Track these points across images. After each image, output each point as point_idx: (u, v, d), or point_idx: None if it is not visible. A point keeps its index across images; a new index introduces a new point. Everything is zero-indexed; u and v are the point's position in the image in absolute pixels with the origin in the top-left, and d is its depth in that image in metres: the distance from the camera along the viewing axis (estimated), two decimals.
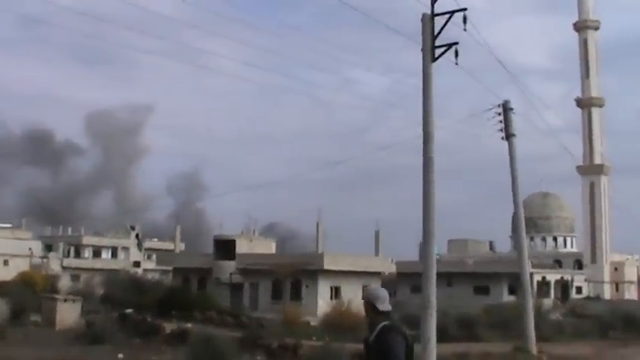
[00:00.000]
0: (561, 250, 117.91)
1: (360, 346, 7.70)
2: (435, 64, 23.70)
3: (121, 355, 34.91)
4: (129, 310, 51.50)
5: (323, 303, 59.33)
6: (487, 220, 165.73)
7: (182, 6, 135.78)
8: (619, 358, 35.80)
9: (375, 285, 56.00)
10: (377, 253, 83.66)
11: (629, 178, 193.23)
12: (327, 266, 61.72)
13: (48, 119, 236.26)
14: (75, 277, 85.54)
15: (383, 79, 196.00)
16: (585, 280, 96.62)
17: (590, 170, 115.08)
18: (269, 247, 75.94)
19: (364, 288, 55.74)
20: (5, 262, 68.37)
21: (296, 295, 63.09)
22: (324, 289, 62.33)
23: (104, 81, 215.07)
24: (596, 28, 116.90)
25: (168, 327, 44.51)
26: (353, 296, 54.78)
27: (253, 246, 71.82)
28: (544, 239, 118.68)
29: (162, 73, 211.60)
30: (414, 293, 64.95)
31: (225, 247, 69.83)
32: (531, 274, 38.69)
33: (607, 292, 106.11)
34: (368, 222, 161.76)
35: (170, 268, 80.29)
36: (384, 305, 7.34)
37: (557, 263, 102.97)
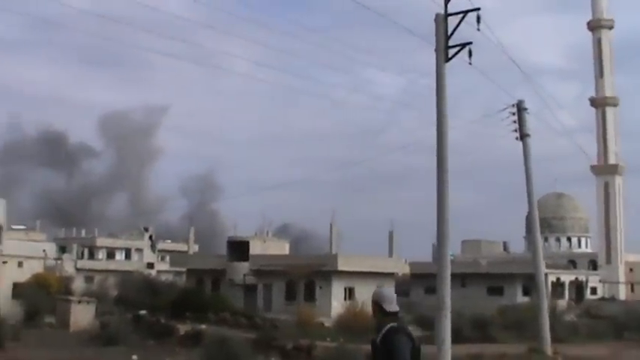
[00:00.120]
0: (576, 250, 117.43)
1: None
2: (447, 65, 23.62)
3: (135, 357, 35.00)
4: (143, 312, 51.58)
5: (337, 304, 59.23)
6: (500, 221, 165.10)
7: (196, 7, 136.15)
8: None
9: (384, 286, 55.90)
10: (391, 254, 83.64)
11: None
12: (341, 267, 61.62)
13: (62, 121, 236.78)
14: (89, 279, 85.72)
15: (397, 80, 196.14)
16: (600, 281, 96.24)
17: (605, 170, 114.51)
18: (283, 248, 75.89)
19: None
20: (19, 264, 68.35)
21: (310, 296, 63.01)
22: (337, 290, 62.22)
23: (117, 83, 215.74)
24: (611, 27, 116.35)
25: (183, 328, 44.60)
26: (367, 297, 53.89)
27: (267, 247, 71.78)
28: (558, 240, 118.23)
29: (176, 74, 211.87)
30: (428, 294, 64.80)
31: (238, 249, 69.84)
32: (546, 275, 38.51)
33: (622, 293, 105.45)
34: (382, 223, 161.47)
35: (184, 269, 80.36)
36: (391, 306, 7.29)
37: (572, 264, 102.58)
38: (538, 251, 35.42)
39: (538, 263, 35.01)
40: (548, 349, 33.75)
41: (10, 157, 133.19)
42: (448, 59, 23.56)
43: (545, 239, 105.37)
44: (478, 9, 23.01)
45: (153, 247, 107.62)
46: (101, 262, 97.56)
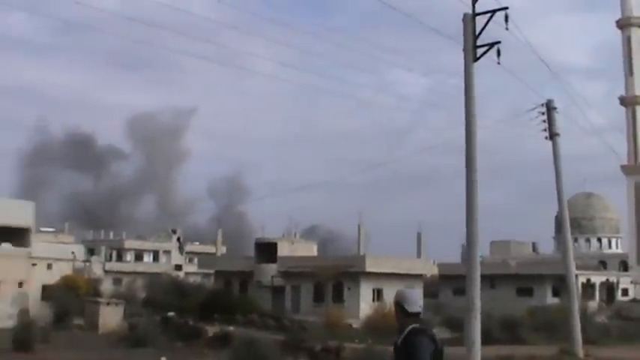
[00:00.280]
0: (606, 251, 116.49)
1: None
2: (475, 64, 23.44)
3: (163, 359, 35.02)
4: (171, 314, 51.70)
5: (365, 305, 59.09)
6: (529, 221, 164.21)
7: (220, 8, 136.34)
8: None
9: (413, 287, 55.78)
10: (419, 255, 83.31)
11: None
12: (369, 268, 61.43)
13: (90, 124, 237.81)
14: (117, 281, 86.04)
15: (424, 80, 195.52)
16: (631, 282, 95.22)
17: (635, 170, 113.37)
18: (310, 249, 75.79)
19: None
20: (49, 266, 68.63)
21: (338, 297, 62.87)
22: (366, 291, 62.04)
23: (145, 85, 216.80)
24: None
25: (211, 330, 44.61)
26: None
27: (295, 249, 71.73)
28: (588, 240, 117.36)
29: (202, 75, 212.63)
30: (457, 295, 64.55)
31: (266, 250, 69.87)
32: (576, 276, 38.11)
33: None
34: (409, 224, 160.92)
35: (212, 271, 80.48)
36: (413, 306, 7.17)
37: (602, 265, 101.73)
38: (568, 252, 35.09)
39: (569, 264, 34.68)
40: (580, 351, 33.41)
41: (38, 159, 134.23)
42: (476, 59, 23.37)
43: (575, 240, 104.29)
44: (506, 8, 22.82)
45: (181, 249, 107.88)
46: (129, 264, 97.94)
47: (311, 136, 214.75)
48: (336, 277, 62.23)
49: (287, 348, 36.50)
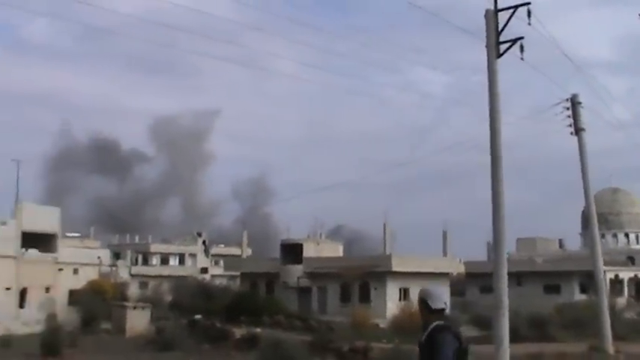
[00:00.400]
0: (634, 246, 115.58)
1: None
2: (498, 61, 23.29)
3: None
4: (198, 316, 51.85)
5: (392, 305, 58.96)
6: (555, 218, 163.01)
7: (243, 9, 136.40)
8: None
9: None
10: (445, 253, 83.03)
11: None
12: (395, 268, 61.33)
13: (113, 128, 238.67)
14: (143, 285, 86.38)
15: (447, 78, 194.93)
16: None
17: None
18: (336, 250, 75.73)
19: None
20: (75, 271, 69.05)
21: (364, 297, 62.81)
22: (392, 290, 61.95)
23: (166, 88, 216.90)
24: None
25: (238, 332, 44.70)
26: None
27: (320, 249, 71.69)
28: (615, 236, 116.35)
29: (225, 77, 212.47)
30: (484, 294, 64.27)
31: (292, 251, 69.88)
32: (604, 272, 37.79)
33: None
34: (435, 222, 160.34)
35: (238, 273, 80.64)
36: (437, 303, 7.12)
37: (630, 260, 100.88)
38: (596, 248, 34.78)
39: (596, 260, 34.38)
40: (610, 347, 33.10)
41: (63, 165, 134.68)
42: (500, 55, 23.21)
43: (602, 235, 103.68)
44: (528, 3, 22.65)
45: (206, 251, 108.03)
46: (155, 267, 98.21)
47: (335, 137, 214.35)
48: (362, 277, 62.16)
49: (314, 349, 36.50)
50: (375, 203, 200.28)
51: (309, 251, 69.99)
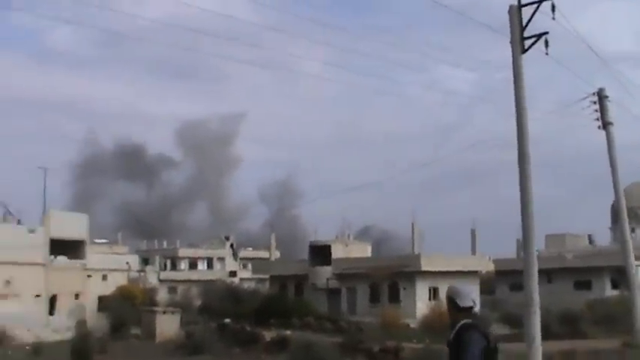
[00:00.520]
0: None
1: None
2: (523, 56, 23.12)
3: None
4: (227, 320, 51.91)
5: (421, 304, 58.74)
6: (583, 213, 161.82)
7: (264, 12, 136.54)
8: None
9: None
10: (474, 252, 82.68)
11: None
12: (424, 267, 61.07)
13: (139, 134, 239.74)
14: (172, 290, 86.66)
15: (471, 76, 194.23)
16: None
17: None
18: (364, 250, 75.54)
19: None
20: (104, 277, 69.46)
21: (394, 297, 62.60)
22: (422, 290, 61.69)
23: (190, 93, 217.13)
24: None
25: (268, 335, 44.65)
26: None
27: (349, 250, 71.53)
28: None
29: (249, 80, 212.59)
30: (514, 291, 63.92)
31: (320, 253, 69.78)
32: (636, 267, 37.39)
33: None
34: (462, 221, 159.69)
35: (266, 276, 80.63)
36: (465, 301, 7.03)
37: None
38: (627, 242, 34.47)
39: (628, 255, 34.05)
40: None
41: (89, 171, 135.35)
42: (524, 50, 23.04)
43: (632, 230, 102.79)
44: None
45: (234, 255, 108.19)
46: (184, 272, 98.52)
47: (360, 137, 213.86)
48: (391, 277, 61.97)
49: (345, 350, 36.43)
50: (403, 203, 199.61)
51: (337, 252, 69.87)
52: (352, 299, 65.89)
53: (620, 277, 50.51)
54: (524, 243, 23.04)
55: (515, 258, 72.79)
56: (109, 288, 67.92)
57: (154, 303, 65.12)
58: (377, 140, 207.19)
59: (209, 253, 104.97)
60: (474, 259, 73.80)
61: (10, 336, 49.17)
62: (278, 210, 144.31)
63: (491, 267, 72.66)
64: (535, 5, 22.87)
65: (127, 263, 75.16)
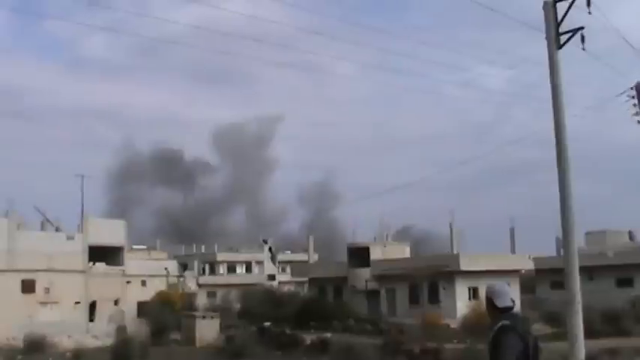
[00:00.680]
0: None
1: None
2: (559, 52, 22.89)
3: None
4: (267, 324, 51.93)
5: (462, 305, 58.38)
6: (623, 210, 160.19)
7: (299, 14, 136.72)
8: None
9: (509, 284, 55.04)
10: (513, 250, 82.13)
11: None
12: (463, 267, 60.69)
13: (175, 139, 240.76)
14: (211, 294, 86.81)
15: (508, 73, 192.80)
16: None
17: None
18: (403, 251, 75.24)
19: None
20: (143, 283, 69.76)
21: (434, 298, 62.30)
22: (461, 290, 61.32)
23: (226, 97, 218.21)
24: None
25: (308, 338, 44.63)
26: None
27: (387, 251, 71.29)
28: None
29: (284, 83, 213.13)
30: (554, 289, 63.35)
31: (359, 255, 69.68)
32: None
33: None
34: (501, 220, 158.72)
35: (305, 279, 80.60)
36: (503, 301, 7.00)
37: None
38: None
39: None
40: None
41: (127, 178, 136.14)
42: (560, 46, 22.79)
43: None
44: None
45: (273, 258, 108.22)
46: (222, 276, 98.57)
47: (397, 137, 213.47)
48: (430, 277, 61.66)
49: (386, 351, 36.33)
50: (441, 203, 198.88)
51: (376, 254, 69.71)
52: (392, 300, 65.67)
53: None
54: (565, 240, 22.76)
55: (555, 256, 72.16)
56: (148, 294, 68.22)
57: (193, 308, 65.35)
58: (414, 140, 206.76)
59: (247, 257, 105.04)
60: (513, 257, 73.25)
61: (51, 343, 49.53)
62: (316, 212, 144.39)
63: (531, 265, 72.09)
64: (570, 0, 22.65)
65: (166, 269, 75.42)
